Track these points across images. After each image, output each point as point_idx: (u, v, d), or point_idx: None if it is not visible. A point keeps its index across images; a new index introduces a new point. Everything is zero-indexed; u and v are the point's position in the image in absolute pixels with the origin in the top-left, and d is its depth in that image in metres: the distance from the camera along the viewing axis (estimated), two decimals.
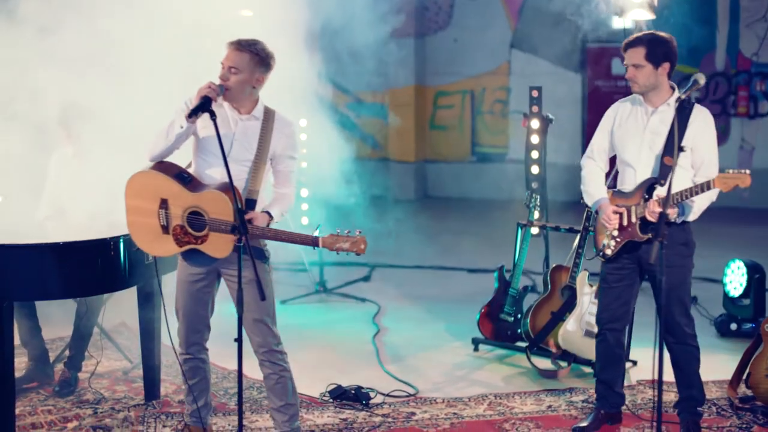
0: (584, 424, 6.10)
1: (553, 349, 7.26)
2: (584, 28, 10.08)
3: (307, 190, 9.75)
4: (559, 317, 7.26)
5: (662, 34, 5.70)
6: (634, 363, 7.29)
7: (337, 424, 6.24)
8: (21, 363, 7.10)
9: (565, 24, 13.71)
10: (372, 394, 6.66)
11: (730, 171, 5.36)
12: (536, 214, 8.02)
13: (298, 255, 10.12)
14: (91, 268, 5.98)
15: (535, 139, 8.41)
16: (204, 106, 5.17)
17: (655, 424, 6.09)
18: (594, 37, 14.07)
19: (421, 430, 6.15)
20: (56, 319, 7.53)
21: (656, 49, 5.62)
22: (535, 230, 8.24)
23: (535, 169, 8.41)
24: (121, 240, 6.04)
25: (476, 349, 7.75)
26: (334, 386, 6.73)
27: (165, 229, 5.44)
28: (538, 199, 7.87)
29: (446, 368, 7.39)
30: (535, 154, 8.41)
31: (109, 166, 6.82)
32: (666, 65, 5.65)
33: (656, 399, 5.10)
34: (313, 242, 5.24)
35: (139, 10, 7.44)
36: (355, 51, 15.69)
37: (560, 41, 14.58)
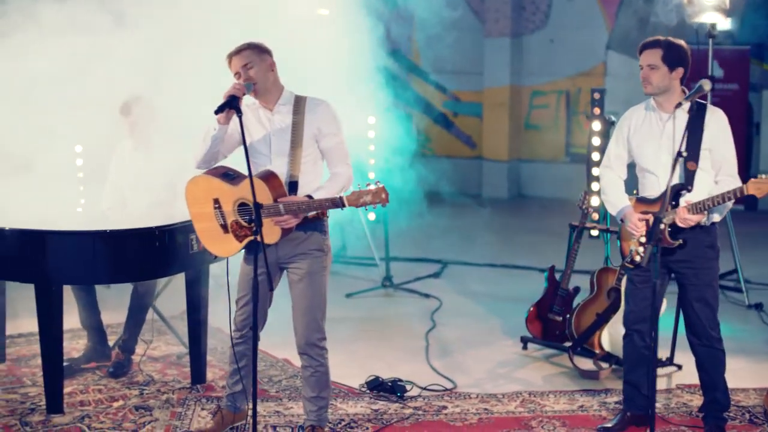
0: (609, 425, 6.16)
1: (597, 350, 7.30)
2: (677, 30, 10.04)
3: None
4: (603, 319, 7.30)
5: (679, 41, 5.79)
6: (679, 367, 7.28)
7: (368, 414, 6.42)
8: (82, 345, 7.50)
9: (660, 26, 13.64)
10: (408, 387, 6.82)
11: (763, 176, 5.41)
12: (595, 216, 8.11)
13: (369, 250, 10.32)
14: (135, 255, 6.30)
15: (596, 141, 8.44)
16: (230, 103, 5.39)
17: (682, 428, 6.18)
18: (693, 40, 13.93)
19: (449, 423, 6.29)
20: (121, 304, 7.85)
21: (672, 53, 5.73)
22: (595, 231, 8.32)
23: (596, 171, 8.43)
24: (166, 230, 6.33)
25: (525, 347, 7.84)
26: (373, 378, 6.90)
27: (224, 228, 5.67)
28: (591, 201, 7.92)
29: (491, 365, 7.50)
30: (596, 156, 8.44)
31: (170, 159, 7.11)
32: (680, 70, 5.75)
33: (651, 403, 5.15)
34: (339, 203, 5.38)
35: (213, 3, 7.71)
36: (452, 49, 15.88)
37: None
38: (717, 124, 5.77)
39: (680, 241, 5.70)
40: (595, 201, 8.16)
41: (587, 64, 15.43)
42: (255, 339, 5.37)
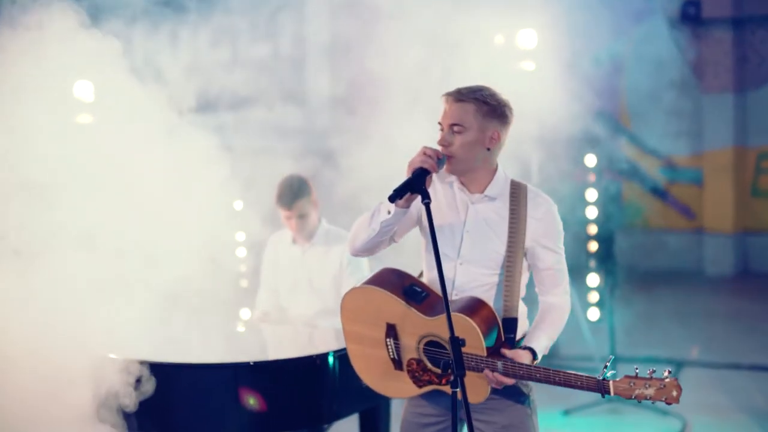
0: None
1: None
2: None
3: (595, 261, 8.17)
4: None
5: None
6: None
7: None
8: None
9: None
10: None
11: None
12: None
13: (585, 348, 8.47)
14: (290, 395, 4.64)
15: None
16: (413, 184, 3.67)
17: None
18: None
19: None
20: None
21: None
22: None
23: None
24: (331, 356, 4.69)
25: None
26: None
27: (397, 363, 3.99)
28: None
29: None
30: None
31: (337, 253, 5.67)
32: None
33: None
34: (601, 389, 3.65)
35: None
36: (666, 109, 14.08)
37: None
38: None
39: None
40: None
41: None
42: None
